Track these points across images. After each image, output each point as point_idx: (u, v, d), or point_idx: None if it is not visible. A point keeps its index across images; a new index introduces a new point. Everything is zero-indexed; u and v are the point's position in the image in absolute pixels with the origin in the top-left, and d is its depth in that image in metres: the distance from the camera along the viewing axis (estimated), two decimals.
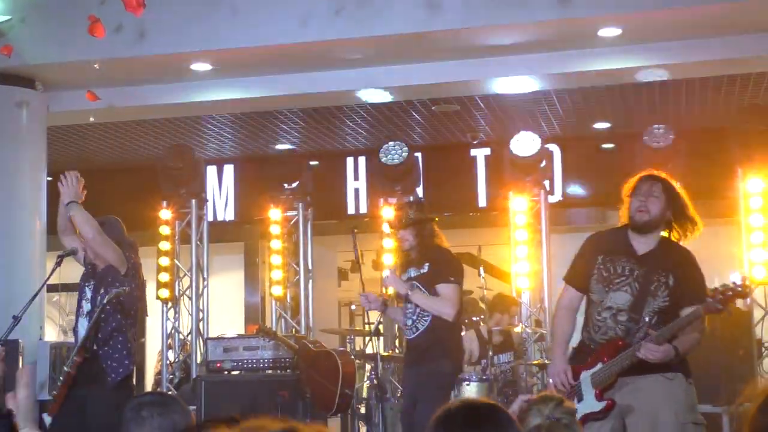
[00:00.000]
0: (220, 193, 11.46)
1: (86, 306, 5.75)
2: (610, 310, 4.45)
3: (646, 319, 4.37)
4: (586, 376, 4.45)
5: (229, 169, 11.49)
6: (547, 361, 8.08)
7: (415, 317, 5.90)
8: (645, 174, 4.57)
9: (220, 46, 7.35)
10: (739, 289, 4.16)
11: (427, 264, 5.92)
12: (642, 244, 4.49)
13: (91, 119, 8.93)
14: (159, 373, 9.84)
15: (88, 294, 5.75)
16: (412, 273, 6.03)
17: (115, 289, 5.43)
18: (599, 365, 4.41)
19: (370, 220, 10.13)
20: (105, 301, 5.42)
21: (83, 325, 5.69)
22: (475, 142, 10.77)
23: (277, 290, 9.46)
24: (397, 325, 8.86)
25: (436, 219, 6.19)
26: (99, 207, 10.92)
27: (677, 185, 4.57)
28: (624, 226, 4.54)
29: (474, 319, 7.78)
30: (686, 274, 4.42)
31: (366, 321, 6.84)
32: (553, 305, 8.51)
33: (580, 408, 4.32)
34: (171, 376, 9.27)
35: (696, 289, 4.36)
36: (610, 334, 4.43)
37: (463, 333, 6.64)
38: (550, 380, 4.63)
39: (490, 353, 7.47)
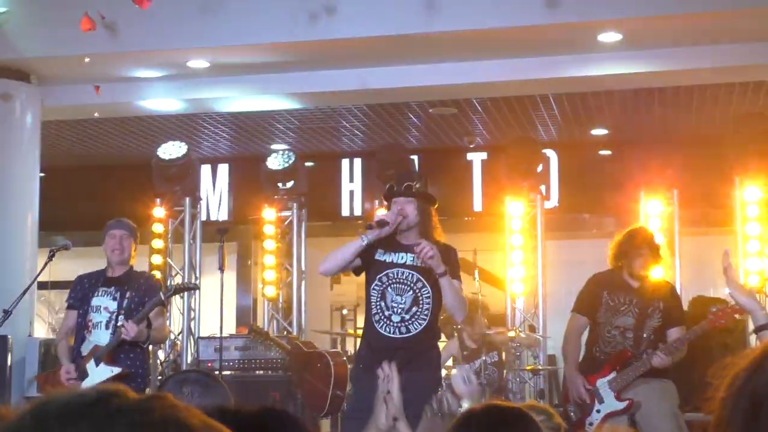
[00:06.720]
0: (214, 192, 11.51)
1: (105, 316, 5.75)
2: (618, 328, 5.65)
3: (645, 335, 5.62)
4: (602, 382, 5.57)
5: (223, 169, 11.50)
6: (539, 367, 8.16)
7: (407, 315, 4.74)
8: (646, 234, 5.86)
9: (216, 44, 7.38)
10: (733, 309, 5.11)
11: None
12: (635, 281, 5.74)
13: (96, 114, 8.95)
14: None
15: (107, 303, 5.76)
16: (409, 262, 4.81)
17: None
18: (613, 374, 5.56)
19: (364, 222, 10.13)
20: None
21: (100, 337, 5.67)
22: (471, 146, 10.83)
23: (270, 291, 9.44)
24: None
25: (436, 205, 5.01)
26: (93, 203, 11.02)
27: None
28: (619, 269, 5.73)
29: (458, 327, 7.78)
30: (672, 301, 5.75)
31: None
32: (547, 311, 8.63)
33: (603, 408, 5.54)
34: (160, 376, 9.28)
35: (680, 313, 5.82)
36: (619, 347, 5.62)
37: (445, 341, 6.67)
38: (572, 393, 5.62)
39: (484, 357, 7.52)
